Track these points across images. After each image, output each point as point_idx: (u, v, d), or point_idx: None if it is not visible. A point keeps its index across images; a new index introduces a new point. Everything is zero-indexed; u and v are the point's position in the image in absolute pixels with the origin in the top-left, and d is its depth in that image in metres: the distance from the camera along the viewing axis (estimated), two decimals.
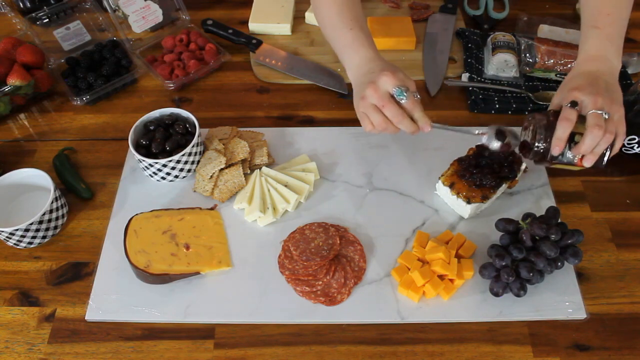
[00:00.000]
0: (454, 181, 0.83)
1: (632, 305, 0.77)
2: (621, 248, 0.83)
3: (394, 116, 0.78)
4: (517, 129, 0.81)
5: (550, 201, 0.87)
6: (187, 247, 0.82)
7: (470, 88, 1.04)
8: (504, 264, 0.73)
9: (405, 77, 0.80)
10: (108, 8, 1.08)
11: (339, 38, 0.89)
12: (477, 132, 0.81)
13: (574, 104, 0.74)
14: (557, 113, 0.75)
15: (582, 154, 0.74)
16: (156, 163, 0.86)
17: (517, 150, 0.81)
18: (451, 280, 0.77)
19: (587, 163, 0.75)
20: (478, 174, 0.81)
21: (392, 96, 0.78)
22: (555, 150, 0.74)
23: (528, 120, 0.79)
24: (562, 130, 0.73)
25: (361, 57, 0.85)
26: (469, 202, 0.81)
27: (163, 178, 0.90)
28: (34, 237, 0.82)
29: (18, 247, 0.84)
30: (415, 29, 1.14)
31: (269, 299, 0.77)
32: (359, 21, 0.88)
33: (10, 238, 0.81)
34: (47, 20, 1.10)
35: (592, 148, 0.73)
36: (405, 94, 0.78)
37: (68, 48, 1.11)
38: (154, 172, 0.88)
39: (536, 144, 0.76)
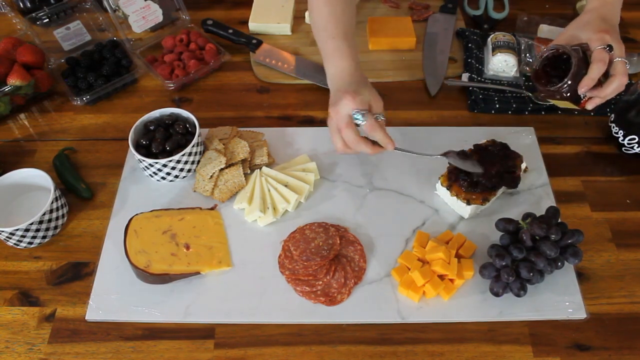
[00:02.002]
0: (451, 182, 0.83)
1: (632, 305, 0.77)
2: (621, 248, 0.83)
3: (349, 141, 0.79)
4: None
5: (550, 201, 0.87)
6: (187, 247, 0.82)
7: (470, 88, 1.04)
8: (504, 264, 0.73)
9: (373, 98, 0.80)
10: (108, 8, 1.08)
11: (322, 46, 0.89)
12: (437, 156, 0.84)
13: (611, 48, 0.76)
14: (575, 51, 0.78)
15: (601, 98, 0.78)
16: (156, 163, 0.86)
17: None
18: (451, 280, 0.77)
19: (591, 106, 0.80)
20: (468, 179, 0.81)
21: (352, 119, 0.79)
22: (582, 89, 0.77)
23: (548, 49, 0.82)
24: (597, 71, 0.76)
25: (337, 69, 0.84)
26: (468, 203, 0.81)
27: (163, 178, 0.90)
28: (34, 237, 0.82)
29: (18, 247, 0.84)
30: (415, 29, 1.14)
31: (269, 299, 0.77)
32: (343, 29, 0.87)
33: (10, 238, 0.81)
34: (47, 20, 1.10)
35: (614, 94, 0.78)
36: (362, 117, 0.78)
37: (68, 48, 1.11)
38: (154, 172, 0.88)
39: (566, 81, 0.79)
